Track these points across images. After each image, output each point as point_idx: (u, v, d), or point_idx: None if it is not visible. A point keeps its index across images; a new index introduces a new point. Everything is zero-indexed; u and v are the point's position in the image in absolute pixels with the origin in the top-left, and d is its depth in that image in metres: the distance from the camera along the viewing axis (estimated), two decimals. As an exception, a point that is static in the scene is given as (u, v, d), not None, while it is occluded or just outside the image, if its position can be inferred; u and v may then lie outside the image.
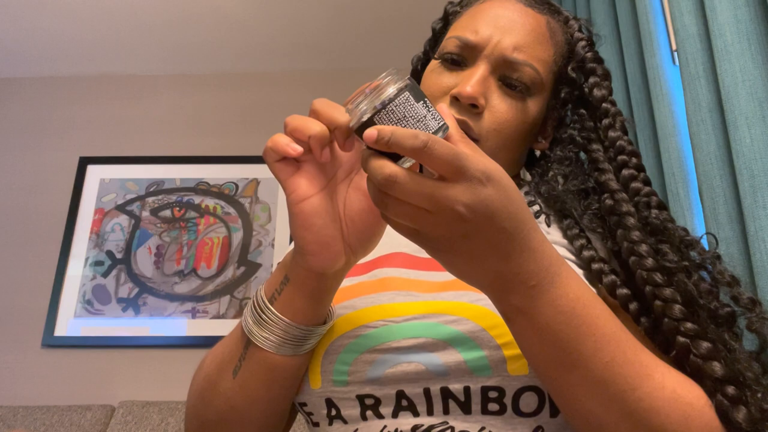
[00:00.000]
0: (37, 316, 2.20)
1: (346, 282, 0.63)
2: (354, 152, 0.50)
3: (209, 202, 2.36)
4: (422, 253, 0.63)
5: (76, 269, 2.26)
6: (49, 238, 2.31)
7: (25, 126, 2.53)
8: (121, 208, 2.35)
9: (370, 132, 0.38)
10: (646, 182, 0.63)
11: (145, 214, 2.34)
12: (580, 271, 0.60)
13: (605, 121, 0.67)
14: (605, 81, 0.69)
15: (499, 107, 0.63)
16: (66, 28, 2.30)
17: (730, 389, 0.48)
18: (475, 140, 0.62)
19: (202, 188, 2.39)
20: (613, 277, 0.58)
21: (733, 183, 0.80)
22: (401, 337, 0.55)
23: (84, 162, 2.42)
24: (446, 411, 0.53)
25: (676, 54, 1.03)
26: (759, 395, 0.48)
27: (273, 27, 2.32)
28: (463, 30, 0.66)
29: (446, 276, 0.59)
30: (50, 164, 2.45)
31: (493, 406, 0.52)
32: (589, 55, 0.70)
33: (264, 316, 0.53)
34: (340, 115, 0.45)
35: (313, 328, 0.54)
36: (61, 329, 2.17)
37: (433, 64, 0.69)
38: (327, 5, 2.21)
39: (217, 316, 2.17)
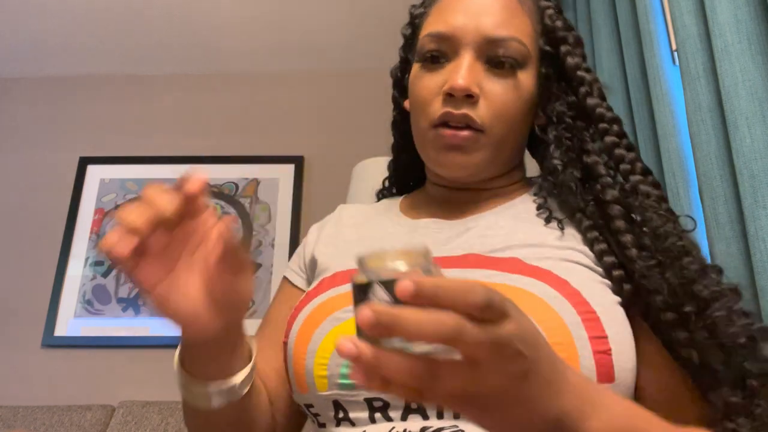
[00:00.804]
0: (37, 316, 2.20)
1: (343, 289, 0.61)
2: (202, 221, 0.47)
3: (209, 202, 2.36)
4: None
5: (76, 269, 2.26)
6: (49, 238, 2.31)
7: (25, 126, 2.53)
8: (121, 208, 2.35)
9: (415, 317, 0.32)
10: (629, 148, 0.62)
11: (145, 214, 2.34)
12: (598, 277, 0.58)
13: (582, 90, 0.65)
14: (577, 48, 0.67)
15: (494, 90, 0.62)
16: (66, 28, 2.30)
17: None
18: (481, 130, 0.62)
19: (202, 188, 2.39)
20: (630, 286, 0.57)
21: (733, 183, 0.80)
22: None
23: (84, 162, 2.42)
24: (456, 415, 0.52)
25: (676, 54, 1.03)
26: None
27: (273, 27, 2.32)
28: (436, 25, 0.65)
29: (453, 274, 0.58)
30: (50, 164, 2.45)
31: None
32: (558, 23, 0.68)
33: (182, 380, 0.55)
34: (166, 201, 0.43)
35: (229, 378, 0.54)
36: (61, 329, 2.17)
37: (415, 68, 0.68)
38: (328, 5, 2.21)
39: (217, 316, 2.17)
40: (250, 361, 0.57)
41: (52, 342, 2.15)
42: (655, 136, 1.08)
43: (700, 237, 0.91)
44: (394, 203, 0.77)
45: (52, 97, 2.57)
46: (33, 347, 2.17)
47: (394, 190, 0.86)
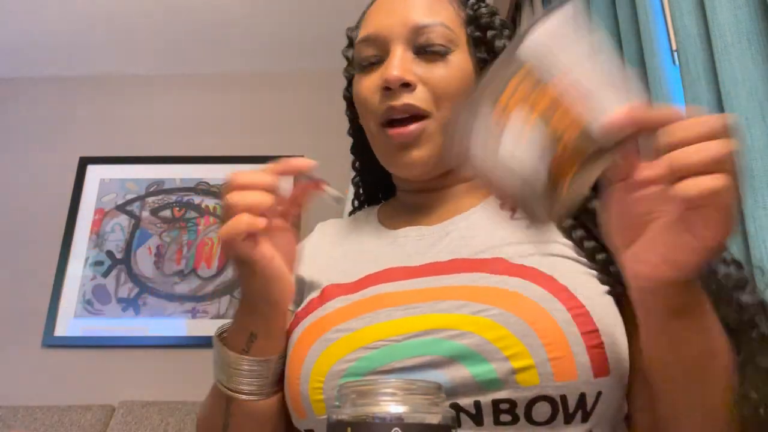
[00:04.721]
0: (37, 316, 2.20)
1: (337, 303, 0.60)
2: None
3: (209, 202, 2.36)
4: (414, 261, 0.61)
5: (76, 269, 2.26)
6: (49, 238, 2.31)
7: (25, 126, 2.53)
8: (121, 208, 2.35)
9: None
10: None
11: (145, 214, 2.34)
12: (583, 268, 0.57)
13: None
14: (504, 30, 0.69)
15: (429, 74, 0.63)
16: (66, 28, 2.30)
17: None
18: (425, 116, 0.63)
19: (202, 188, 2.39)
20: (615, 268, 0.55)
21: (733, 183, 0.80)
22: (404, 356, 0.53)
23: (84, 162, 2.43)
24: (458, 424, 0.51)
25: (676, 54, 1.03)
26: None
27: (273, 26, 2.32)
28: (365, 31, 0.68)
29: (441, 281, 0.57)
30: (50, 164, 2.45)
31: (505, 417, 0.51)
32: (481, 10, 0.69)
33: (242, 371, 0.58)
34: (266, 176, 0.55)
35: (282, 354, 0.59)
36: (61, 329, 2.17)
37: (356, 78, 0.69)
38: (328, 4, 2.21)
39: (217, 316, 2.17)
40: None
41: (52, 342, 2.15)
42: (655, 136, 1.08)
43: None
44: (372, 214, 0.76)
45: (52, 97, 2.57)
46: (33, 347, 2.17)
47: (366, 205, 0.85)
